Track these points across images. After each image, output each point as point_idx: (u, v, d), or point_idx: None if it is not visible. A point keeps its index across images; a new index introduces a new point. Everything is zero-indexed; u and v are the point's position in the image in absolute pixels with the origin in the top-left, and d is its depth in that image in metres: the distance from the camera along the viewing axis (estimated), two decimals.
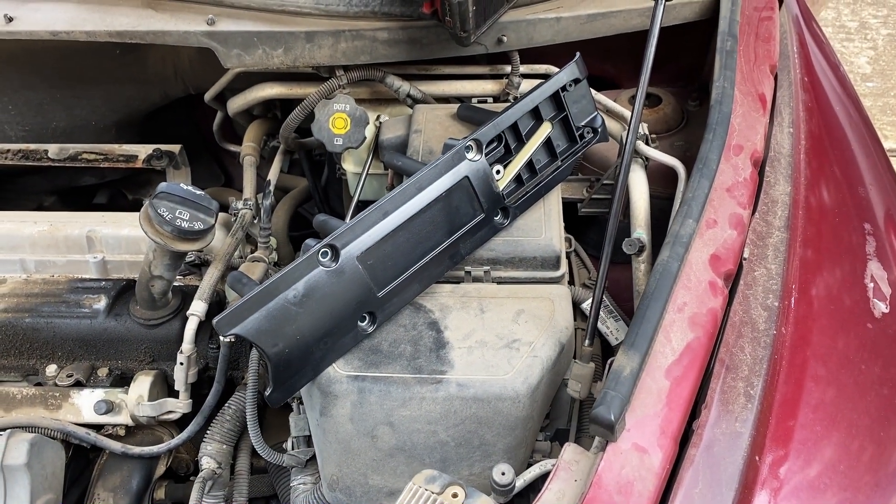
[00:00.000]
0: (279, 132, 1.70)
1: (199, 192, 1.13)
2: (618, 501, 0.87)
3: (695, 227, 1.07)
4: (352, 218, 1.41)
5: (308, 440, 1.20)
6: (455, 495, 0.87)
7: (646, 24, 1.41)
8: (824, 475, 1.00)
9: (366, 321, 1.06)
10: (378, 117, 1.45)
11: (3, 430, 1.15)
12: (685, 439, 0.95)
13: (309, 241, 1.03)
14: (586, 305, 1.29)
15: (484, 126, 1.13)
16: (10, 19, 1.33)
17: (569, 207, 1.38)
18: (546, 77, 1.47)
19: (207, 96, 1.59)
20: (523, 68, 1.46)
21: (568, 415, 1.20)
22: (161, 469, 1.28)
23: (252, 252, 1.40)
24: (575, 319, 1.17)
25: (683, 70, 1.66)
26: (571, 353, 1.12)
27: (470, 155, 1.11)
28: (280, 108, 1.78)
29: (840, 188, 1.34)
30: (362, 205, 1.45)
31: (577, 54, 1.19)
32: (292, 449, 1.20)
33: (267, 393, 0.99)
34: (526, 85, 1.46)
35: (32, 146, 1.59)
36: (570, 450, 0.93)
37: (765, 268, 1.19)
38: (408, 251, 1.08)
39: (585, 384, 1.04)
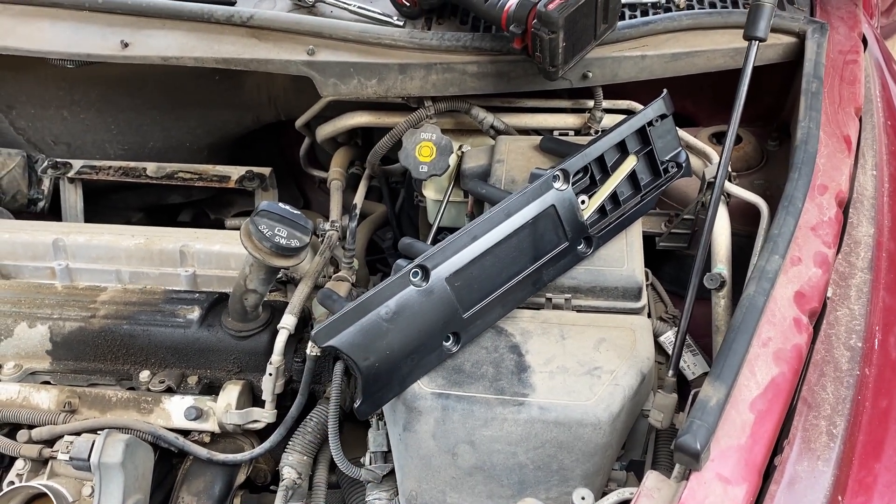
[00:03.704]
0: (361, 159, 1.77)
1: (296, 212, 1.19)
2: None
3: (780, 263, 1.07)
4: (431, 243, 1.47)
5: (385, 456, 1.23)
6: None
7: (729, 64, 1.43)
8: None
9: (450, 341, 1.09)
10: (460, 147, 1.50)
11: (101, 429, 1.21)
12: (766, 474, 0.95)
13: (400, 262, 1.07)
14: (664, 339, 1.30)
15: (571, 157, 1.16)
16: (126, 45, 1.43)
17: (646, 241, 1.39)
18: (628, 112, 1.51)
19: (299, 123, 1.67)
20: (605, 103, 1.49)
21: (643, 446, 1.21)
22: (241, 477, 1.33)
23: (335, 272, 1.45)
24: None
25: (763, 111, 1.67)
26: (651, 384, 1.13)
27: (557, 184, 1.14)
28: (362, 137, 1.85)
29: None
30: (439, 231, 1.50)
31: (665, 91, 1.22)
32: (369, 464, 1.23)
33: (356, 405, 1.03)
34: (608, 120, 1.49)
35: (132, 164, 1.69)
36: (652, 477, 0.94)
37: (847, 308, 1.18)
38: (493, 275, 1.11)
39: (668, 414, 1.05)
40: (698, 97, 1.68)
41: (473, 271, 1.09)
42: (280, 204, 1.19)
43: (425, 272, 1.05)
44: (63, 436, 1.23)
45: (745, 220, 1.38)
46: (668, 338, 1.30)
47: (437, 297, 1.06)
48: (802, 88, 1.31)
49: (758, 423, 0.96)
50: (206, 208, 2.05)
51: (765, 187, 1.49)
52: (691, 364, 1.29)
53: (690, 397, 1.02)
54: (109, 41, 1.45)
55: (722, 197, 1.33)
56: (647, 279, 1.43)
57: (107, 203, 1.93)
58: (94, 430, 1.23)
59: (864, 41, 1.55)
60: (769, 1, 1.10)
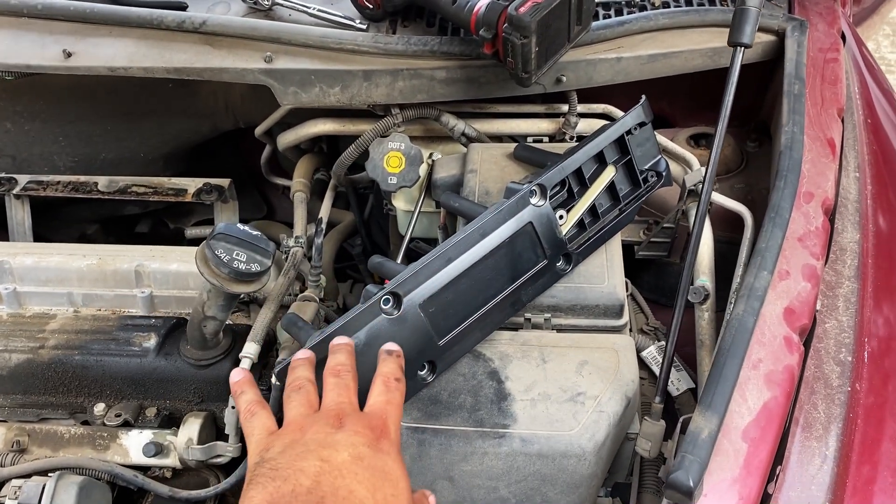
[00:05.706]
0: (326, 166, 1.69)
1: (255, 234, 1.11)
2: None
3: (769, 280, 1.03)
4: (402, 257, 1.40)
5: None
6: None
7: (707, 65, 1.38)
8: None
9: (425, 370, 1.03)
10: (430, 155, 1.43)
11: (52, 471, 1.13)
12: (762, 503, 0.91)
13: (370, 288, 1.00)
14: (646, 354, 1.25)
15: (548, 170, 1.10)
16: (70, 54, 1.33)
17: (625, 250, 1.34)
18: (603, 116, 1.45)
19: (258, 131, 1.58)
20: (580, 107, 1.43)
21: (628, 469, 1.16)
22: None
23: (301, 289, 1.38)
24: None
25: (741, 111, 1.62)
26: (636, 406, 1.08)
27: (534, 200, 1.08)
28: (326, 143, 1.77)
29: None
30: (411, 242, 1.43)
31: (643, 98, 1.16)
32: None
33: None
34: (583, 125, 1.43)
35: (83, 178, 1.58)
36: None
37: (836, 319, 1.14)
38: (470, 299, 1.05)
39: (656, 443, 1.00)
40: (674, 98, 1.63)
41: (448, 296, 1.03)
42: (238, 225, 1.11)
43: (397, 299, 0.99)
44: (10, 479, 1.14)
45: (725, 225, 1.34)
46: (651, 353, 1.25)
47: (411, 326, 1.00)
48: (784, 90, 1.26)
49: (751, 453, 0.91)
50: (165, 218, 1.96)
51: (746, 192, 1.45)
52: (675, 380, 1.24)
53: (679, 425, 0.97)
54: (51, 50, 1.35)
55: None
56: (627, 290, 1.38)
57: (58, 216, 1.82)
58: (45, 472, 1.14)
59: (843, 37, 1.51)
60: (754, 5, 1.04)
